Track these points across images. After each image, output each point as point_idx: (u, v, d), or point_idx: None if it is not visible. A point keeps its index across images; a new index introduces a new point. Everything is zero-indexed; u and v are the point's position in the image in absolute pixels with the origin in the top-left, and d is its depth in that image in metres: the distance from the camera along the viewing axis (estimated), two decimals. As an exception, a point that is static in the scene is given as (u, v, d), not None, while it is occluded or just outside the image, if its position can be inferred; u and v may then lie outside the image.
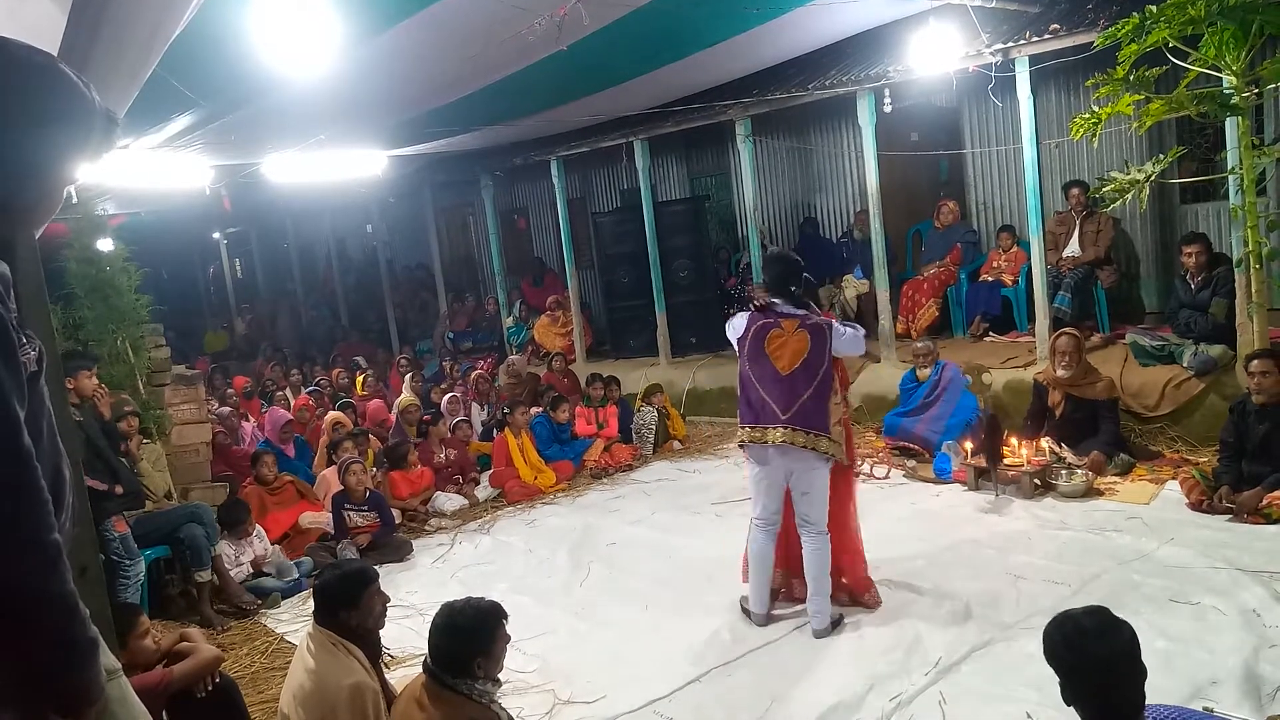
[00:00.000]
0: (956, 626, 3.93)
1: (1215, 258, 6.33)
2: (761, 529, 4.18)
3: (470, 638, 2.78)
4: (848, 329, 4.16)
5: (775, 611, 4.29)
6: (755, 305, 4.20)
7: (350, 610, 3.13)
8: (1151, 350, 6.34)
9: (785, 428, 3.94)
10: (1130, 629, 2.13)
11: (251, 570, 5.47)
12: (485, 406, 8.89)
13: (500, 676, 2.90)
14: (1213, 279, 6.17)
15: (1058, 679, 2.16)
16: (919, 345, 6.86)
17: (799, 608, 4.27)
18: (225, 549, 5.37)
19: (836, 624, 4.10)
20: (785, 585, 4.43)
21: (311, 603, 3.27)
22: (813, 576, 4.06)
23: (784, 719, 3.42)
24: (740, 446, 4.19)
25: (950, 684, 3.49)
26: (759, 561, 4.20)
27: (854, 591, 4.33)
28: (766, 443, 3.99)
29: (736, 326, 4.19)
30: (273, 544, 5.74)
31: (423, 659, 2.88)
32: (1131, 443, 5.99)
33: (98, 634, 1.45)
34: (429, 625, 2.87)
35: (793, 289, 4.12)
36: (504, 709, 2.89)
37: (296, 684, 3.06)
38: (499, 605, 2.89)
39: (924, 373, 6.75)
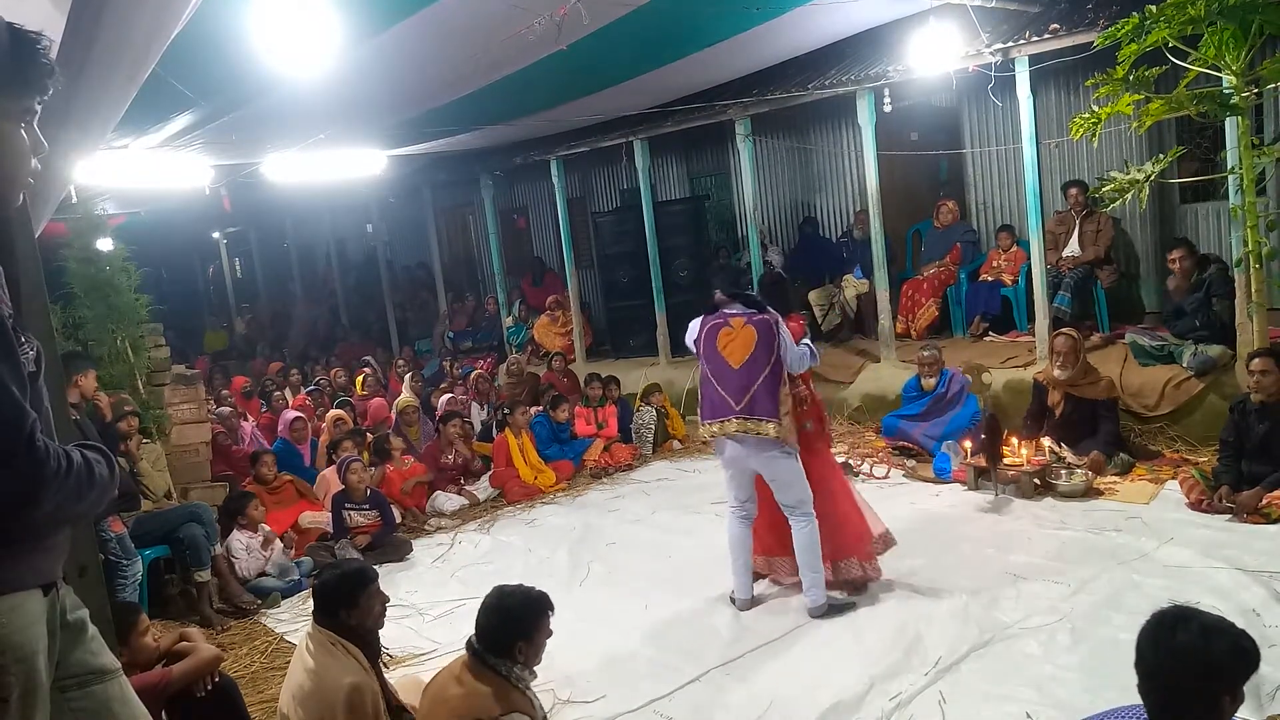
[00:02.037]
0: (956, 626, 3.93)
1: (1202, 259, 6.37)
2: (734, 516, 4.38)
3: (516, 620, 2.88)
4: (802, 345, 4.32)
5: (763, 593, 4.47)
6: (706, 306, 4.44)
7: (349, 610, 3.14)
8: (1151, 350, 6.34)
9: (738, 418, 4.13)
10: (1212, 642, 1.97)
11: (273, 564, 5.48)
12: (485, 406, 8.88)
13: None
14: (1203, 281, 6.19)
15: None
16: (925, 354, 6.69)
17: (798, 604, 4.30)
18: (238, 540, 5.40)
19: (836, 608, 4.20)
20: (768, 569, 4.62)
21: (311, 603, 3.27)
22: (803, 560, 4.21)
23: (784, 719, 3.42)
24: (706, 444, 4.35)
25: (950, 684, 3.49)
26: (735, 548, 4.40)
27: (861, 561, 4.43)
28: (725, 435, 4.18)
29: (691, 330, 4.39)
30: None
31: (467, 638, 2.94)
32: (1131, 442, 5.99)
33: (100, 477, 1.64)
34: (478, 607, 2.96)
35: (747, 291, 4.37)
36: (538, 698, 2.92)
37: (296, 684, 3.06)
38: (548, 596, 2.98)
39: (929, 382, 6.63)
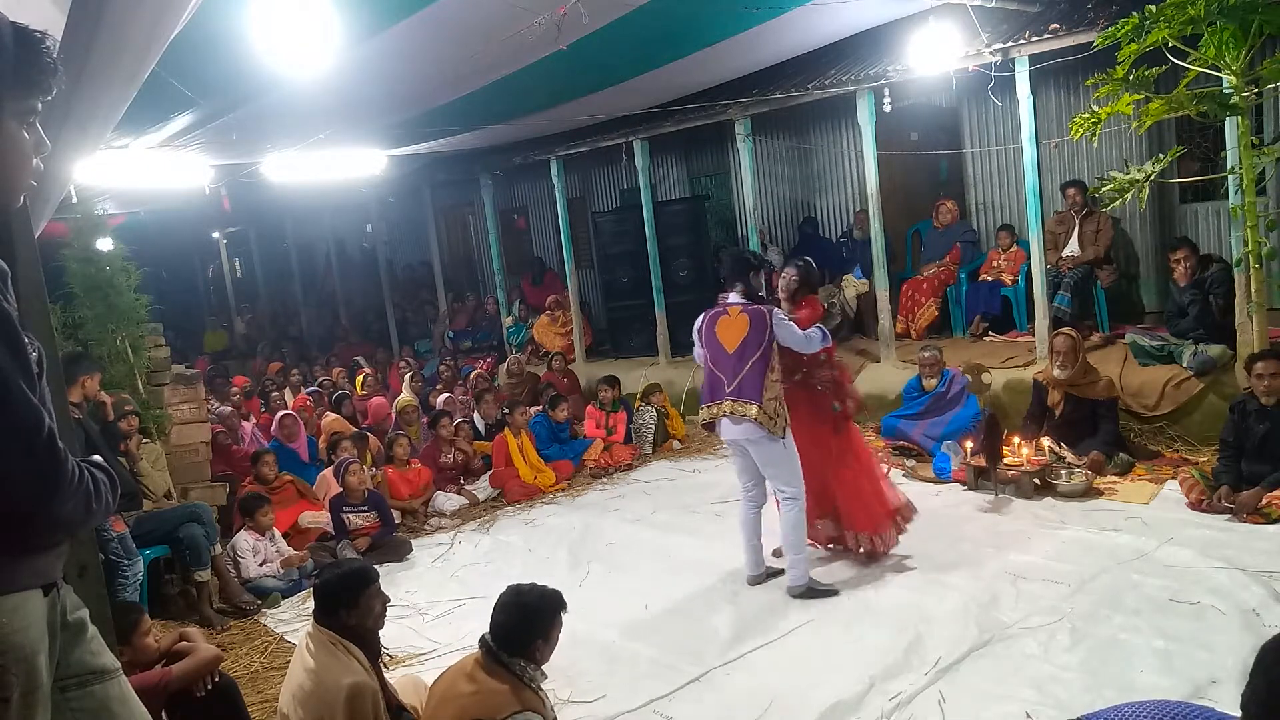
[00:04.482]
0: (956, 626, 3.93)
1: (1204, 259, 6.37)
2: (744, 500, 4.67)
3: (535, 618, 2.89)
4: (813, 329, 4.53)
5: (771, 583, 4.60)
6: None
7: (350, 610, 3.14)
8: (1151, 350, 6.34)
9: (730, 399, 4.37)
10: None
11: (281, 570, 5.48)
12: (477, 406, 8.79)
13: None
14: (1205, 280, 6.19)
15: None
16: (926, 354, 6.69)
17: (799, 602, 4.34)
18: (245, 540, 5.41)
19: (817, 592, 4.39)
20: (838, 535, 4.88)
21: (311, 603, 3.27)
22: (786, 541, 4.45)
23: (784, 719, 3.42)
24: (705, 428, 4.62)
25: (950, 684, 3.49)
26: (744, 529, 4.66)
27: (870, 535, 4.76)
28: (720, 416, 4.41)
29: (696, 323, 4.63)
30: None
31: (481, 636, 2.94)
32: (1131, 442, 5.98)
33: (105, 496, 1.64)
34: (493, 605, 2.96)
35: (750, 276, 4.50)
36: (549, 697, 2.92)
37: (296, 684, 3.06)
38: (562, 594, 3.00)
39: (930, 383, 6.63)
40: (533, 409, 7.98)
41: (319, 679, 3.01)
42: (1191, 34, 4.86)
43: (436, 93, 6.75)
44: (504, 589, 3.02)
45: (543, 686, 2.93)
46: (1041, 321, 6.92)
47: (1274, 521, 4.59)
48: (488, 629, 2.94)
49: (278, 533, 5.69)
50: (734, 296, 4.50)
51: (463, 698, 2.79)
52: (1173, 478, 5.37)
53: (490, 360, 11.10)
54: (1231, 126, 5.34)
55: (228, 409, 8.17)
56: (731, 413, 4.35)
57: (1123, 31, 4.87)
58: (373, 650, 3.26)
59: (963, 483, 5.85)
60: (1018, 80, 6.61)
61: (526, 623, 2.88)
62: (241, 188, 9.50)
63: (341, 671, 3.02)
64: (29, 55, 1.55)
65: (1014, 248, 8.10)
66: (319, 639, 3.11)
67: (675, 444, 7.95)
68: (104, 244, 6.31)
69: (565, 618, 2.99)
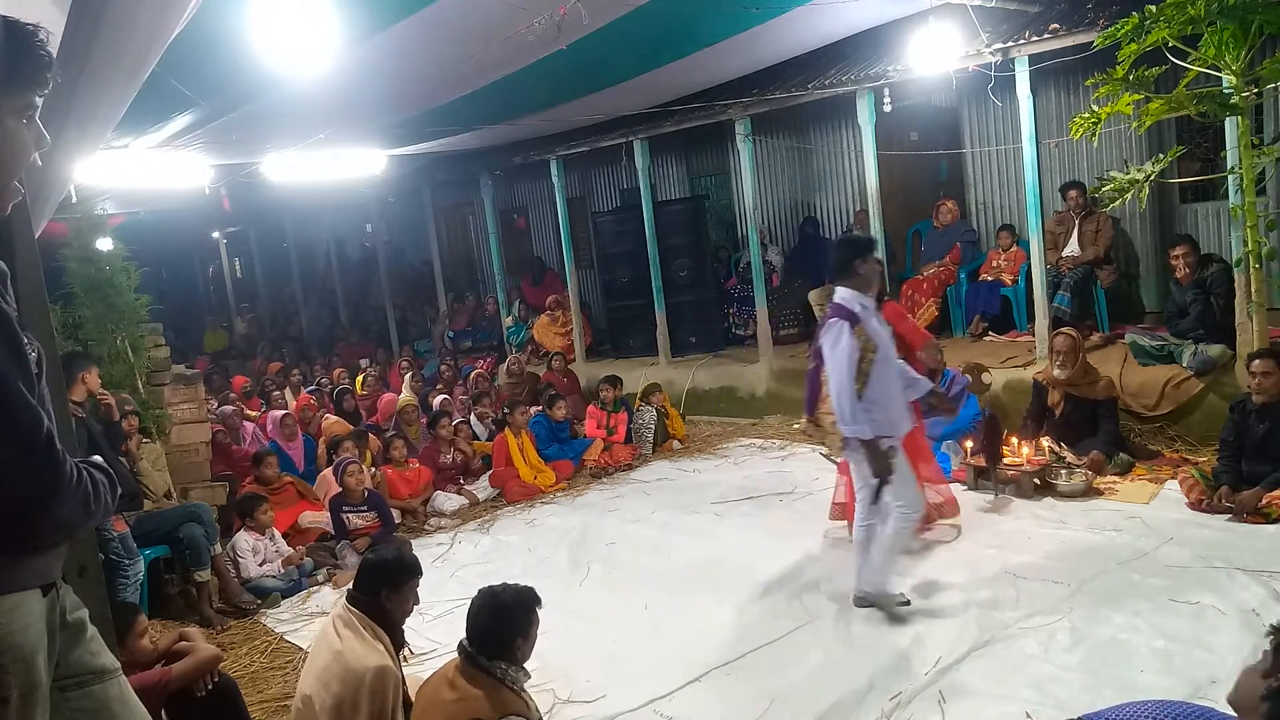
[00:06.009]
0: (956, 626, 3.93)
1: (1204, 258, 6.37)
2: None
3: (513, 616, 2.88)
4: (835, 362, 3.92)
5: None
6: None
7: (391, 593, 3.20)
8: (1151, 350, 6.34)
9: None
10: None
11: (281, 569, 5.48)
12: (473, 407, 8.78)
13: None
14: (1205, 279, 6.19)
15: None
16: (924, 355, 6.70)
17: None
18: (244, 540, 5.41)
19: (875, 602, 4.19)
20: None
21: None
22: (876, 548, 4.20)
23: (784, 719, 3.42)
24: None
25: (950, 684, 3.49)
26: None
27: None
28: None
29: None
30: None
31: (459, 642, 2.93)
32: (1131, 442, 5.98)
33: (105, 498, 1.63)
34: (467, 609, 2.95)
35: (856, 265, 3.98)
36: (533, 699, 2.91)
37: (320, 665, 3.08)
38: (535, 590, 2.99)
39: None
40: (533, 409, 7.98)
41: (346, 660, 3.04)
42: (1191, 34, 4.85)
43: (436, 93, 6.75)
44: (476, 593, 2.99)
45: (526, 687, 2.91)
46: (1041, 321, 6.92)
47: (1274, 521, 4.59)
48: (465, 635, 2.91)
49: (277, 533, 5.69)
50: (838, 294, 4.02)
51: (446, 705, 2.78)
52: (1173, 478, 5.37)
53: (490, 360, 11.10)
54: (1231, 126, 5.34)
55: (229, 409, 8.18)
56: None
57: (1123, 31, 4.86)
58: (397, 641, 3.30)
59: (963, 483, 5.84)
60: (1018, 80, 6.61)
61: (503, 623, 2.86)
62: (241, 188, 9.50)
63: (369, 654, 3.06)
64: (22, 50, 1.54)
65: (1014, 248, 8.09)
66: (349, 619, 3.15)
67: (675, 444, 7.95)
68: (104, 244, 6.31)
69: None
